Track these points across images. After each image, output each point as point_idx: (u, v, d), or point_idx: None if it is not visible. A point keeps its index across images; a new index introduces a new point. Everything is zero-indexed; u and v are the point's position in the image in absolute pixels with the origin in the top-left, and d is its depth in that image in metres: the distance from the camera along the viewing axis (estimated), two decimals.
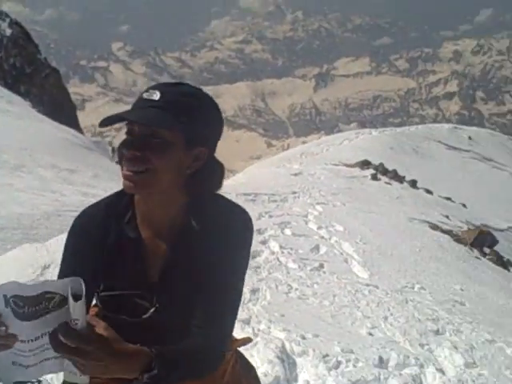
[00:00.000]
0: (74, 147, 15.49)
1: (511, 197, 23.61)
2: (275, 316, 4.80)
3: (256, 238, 6.96)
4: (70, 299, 1.12)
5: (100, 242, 1.51)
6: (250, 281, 5.52)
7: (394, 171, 18.87)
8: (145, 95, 1.41)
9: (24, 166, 11.14)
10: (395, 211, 12.08)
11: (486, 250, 11.68)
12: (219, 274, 1.47)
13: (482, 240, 11.85)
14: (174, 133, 1.38)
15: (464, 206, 18.06)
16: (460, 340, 5.13)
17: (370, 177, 16.59)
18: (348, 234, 8.95)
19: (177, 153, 1.40)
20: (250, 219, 1.56)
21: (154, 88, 1.43)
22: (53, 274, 4.83)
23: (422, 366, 4.26)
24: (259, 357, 3.80)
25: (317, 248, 7.69)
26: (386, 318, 5.32)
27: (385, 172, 18.50)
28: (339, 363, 4.00)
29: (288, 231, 8.33)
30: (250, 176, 16.17)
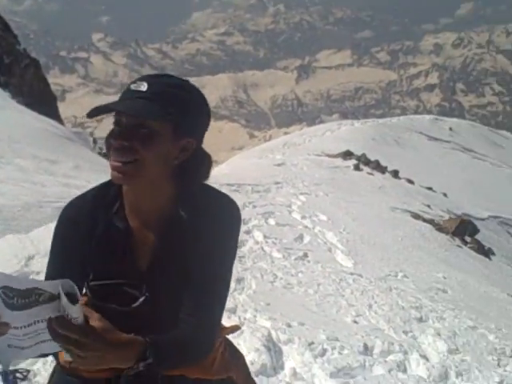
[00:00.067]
0: (55, 138, 15.31)
1: (491, 186, 23.90)
2: (261, 305, 4.81)
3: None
4: (64, 299, 1.13)
5: (88, 233, 1.50)
6: (235, 270, 5.48)
7: (376, 162, 18.97)
8: (132, 86, 1.41)
9: (3, 156, 10.97)
10: (378, 201, 12.15)
11: (468, 239, 11.81)
12: (208, 264, 1.48)
13: (463, 229, 11.98)
14: (162, 123, 1.38)
15: (445, 195, 18.23)
16: (443, 327, 5.18)
17: (352, 167, 16.67)
18: (331, 223, 8.98)
19: (164, 143, 1.40)
20: (237, 209, 1.57)
21: (141, 79, 1.43)
22: (37, 264, 4.78)
23: (406, 353, 4.29)
24: (246, 345, 3.80)
25: (301, 237, 7.71)
26: (370, 306, 5.35)
27: (367, 162, 18.60)
28: (325, 351, 4.01)
29: (272, 221, 8.34)
30: (233, 167, 16.16)
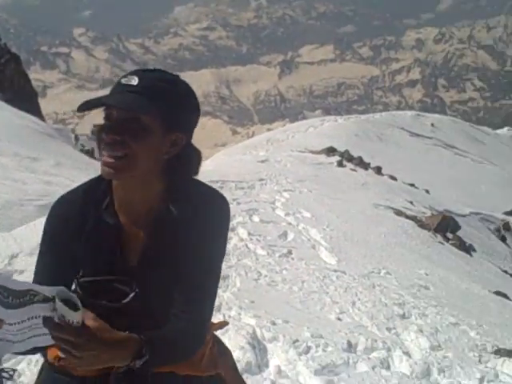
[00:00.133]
0: (36, 135, 15.16)
1: (473, 183, 24.14)
2: (245, 302, 4.82)
3: None
4: (60, 304, 1.15)
5: (78, 229, 1.50)
6: None
7: (359, 158, 19.06)
8: (123, 80, 1.42)
9: None
10: (361, 197, 12.22)
11: (449, 236, 11.93)
12: (198, 259, 1.49)
13: (445, 225, 12.09)
14: (152, 118, 1.39)
15: (427, 191, 18.38)
16: (425, 323, 5.24)
17: (335, 164, 16.73)
18: (315, 220, 9.02)
19: (155, 138, 1.40)
20: (227, 204, 1.58)
21: (132, 74, 1.43)
22: (21, 263, 4.75)
23: (389, 350, 4.33)
24: (230, 343, 3.81)
25: (285, 234, 7.73)
26: (353, 303, 5.40)
27: (350, 159, 18.68)
28: (309, 348, 4.04)
29: (256, 218, 8.36)
30: (216, 163, 16.13)
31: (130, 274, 1.50)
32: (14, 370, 1.51)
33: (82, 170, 12.06)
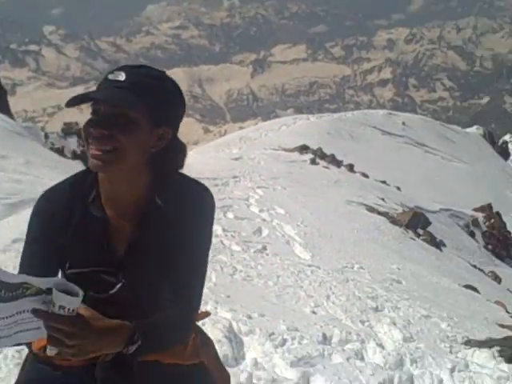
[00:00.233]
0: (5, 133, 14.91)
1: (443, 180, 24.51)
2: (221, 297, 4.85)
3: None
4: (58, 293, 1.16)
5: (65, 223, 1.51)
6: None
7: (332, 156, 19.21)
8: (110, 76, 1.44)
9: None
10: (334, 194, 12.33)
11: (420, 231, 12.12)
12: (186, 250, 1.52)
13: (415, 221, 12.29)
14: (139, 112, 1.41)
15: (398, 188, 18.61)
16: (398, 316, 5.33)
17: (308, 161, 16.83)
18: (289, 216, 9.08)
19: (142, 132, 1.43)
20: (212, 197, 1.62)
21: (119, 69, 1.46)
22: None
23: (363, 342, 4.41)
24: None
25: (259, 231, 7.78)
26: (328, 297, 5.47)
27: (323, 156, 18.81)
28: (285, 341, 4.09)
29: (230, 214, 8.38)
30: (190, 161, 16.06)
31: (116, 266, 1.52)
32: None
33: (52, 169, 11.92)
